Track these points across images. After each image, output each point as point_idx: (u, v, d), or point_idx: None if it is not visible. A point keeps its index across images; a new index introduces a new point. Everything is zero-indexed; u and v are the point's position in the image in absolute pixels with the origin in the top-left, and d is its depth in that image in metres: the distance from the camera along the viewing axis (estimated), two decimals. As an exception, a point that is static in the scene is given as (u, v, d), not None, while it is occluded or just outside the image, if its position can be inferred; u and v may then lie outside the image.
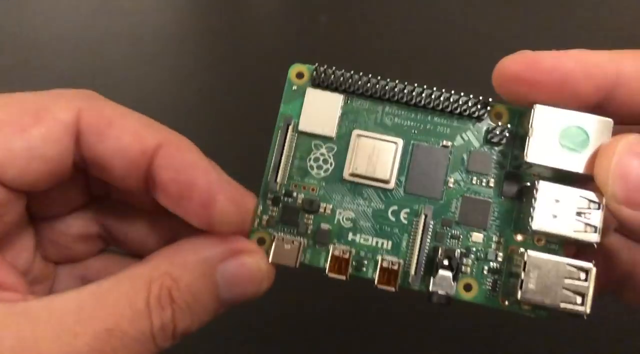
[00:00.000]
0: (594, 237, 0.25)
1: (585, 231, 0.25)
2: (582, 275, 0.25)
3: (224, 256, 0.25)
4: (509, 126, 0.27)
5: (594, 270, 0.25)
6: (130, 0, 0.53)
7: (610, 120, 0.26)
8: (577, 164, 0.25)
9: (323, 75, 0.28)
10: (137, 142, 0.24)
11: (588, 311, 0.24)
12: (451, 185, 0.27)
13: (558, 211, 0.25)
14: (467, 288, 0.27)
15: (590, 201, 0.25)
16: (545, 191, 0.25)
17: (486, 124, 0.28)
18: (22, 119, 0.23)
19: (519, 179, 0.27)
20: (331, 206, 0.27)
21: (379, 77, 0.28)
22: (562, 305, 0.24)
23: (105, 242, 0.30)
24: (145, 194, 0.26)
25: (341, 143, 0.28)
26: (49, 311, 0.22)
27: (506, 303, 0.26)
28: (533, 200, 0.25)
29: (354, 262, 0.27)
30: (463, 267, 0.27)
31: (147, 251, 0.26)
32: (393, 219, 0.27)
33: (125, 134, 0.24)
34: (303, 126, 0.28)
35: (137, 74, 0.49)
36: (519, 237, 0.27)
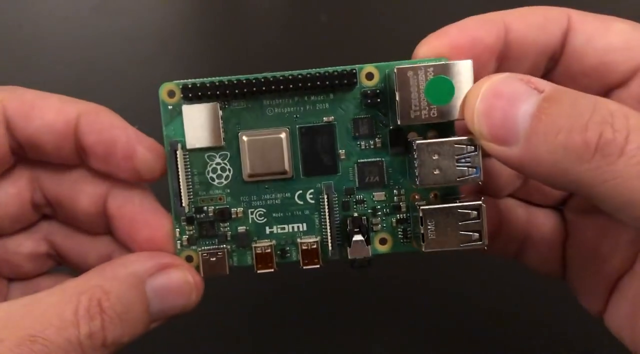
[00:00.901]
0: (477, 178, 0.27)
1: (468, 174, 0.27)
2: (474, 213, 0.27)
3: (153, 270, 0.27)
4: (381, 85, 0.28)
5: (483, 206, 0.27)
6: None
7: (469, 61, 0.26)
8: (447, 113, 0.27)
9: (192, 88, 0.28)
10: (59, 116, 0.28)
11: (486, 243, 0.27)
12: (343, 157, 0.29)
13: (439, 164, 0.27)
14: (382, 242, 0.29)
15: (467, 144, 0.27)
16: (422, 149, 0.27)
17: (360, 88, 0.28)
18: None
19: (402, 134, 0.28)
20: (242, 209, 0.29)
21: (247, 75, 0.28)
22: (463, 246, 0.27)
23: (55, 261, 0.32)
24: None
25: (232, 148, 0.29)
26: None
27: (417, 246, 0.29)
28: (414, 160, 0.27)
29: (278, 252, 0.29)
30: (373, 226, 0.29)
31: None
32: (301, 202, 0.29)
33: (48, 112, 0.28)
34: (190, 144, 0.29)
35: (136, 74, 0.49)
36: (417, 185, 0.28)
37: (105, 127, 0.28)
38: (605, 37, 0.28)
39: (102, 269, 0.27)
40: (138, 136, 0.28)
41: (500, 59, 0.28)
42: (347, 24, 0.51)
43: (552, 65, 0.29)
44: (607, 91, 0.28)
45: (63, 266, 0.32)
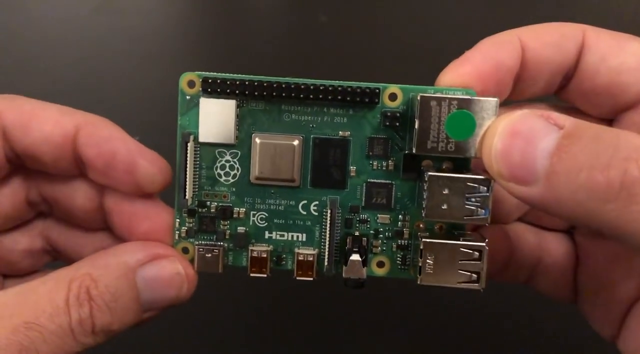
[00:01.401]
0: (484, 219, 0.26)
1: (477, 214, 0.26)
2: (476, 254, 0.26)
3: (144, 260, 0.27)
4: (403, 107, 0.28)
5: (486, 249, 0.26)
6: (130, -1, 0.52)
7: (495, 99, 0.25)
8: (465, 150, 0.26)
9: (213, 82, 0.28)
10: (57, 128, 0.28)
11: (483, 286, 0.26)
12: (353, 174, 0.28)
13: (448, 199, 0.26)
14: (380, 265, 0.29)
15: (479, 183, 0.26)
16: (433, 182, 0.26)
17: (381, 108, 0.28)
18: None
19: (417, 160, 0.28)
20: (244, 210, 0.29)
21: (269, 77, 0.27)
22: (459, 285, 0.26)
23: (50, 256, 0.32)
24: (83, 190, 0.29)
25: (243, 147, 0.28)
26: None
27: (414, 274, 0.28)
28: (423, 192, 0.26)
29: (274, 258, 0.29)
30: (373, 248, 0.29)
31: None
32: (304, 212, 0.29)
33: (46, 124, 0.28)
34: (203, 138, 0.28)
35: (137, 74, 0.50)
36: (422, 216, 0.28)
37: (104, 139, 0.27)
38: (619, 57, 0.27)
39: (93, 258, 0.27)
40: (139, 148, 0.28)
41: (516, 79, 0.28)
42: (346, 24, 0.50)
43: (565, 83, 0.28)
44: (618, 111, 0.28)
45: (58, 261, 0.32)
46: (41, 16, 0.52)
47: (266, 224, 0.29)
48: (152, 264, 0.27)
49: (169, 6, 0.53)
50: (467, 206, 0.26)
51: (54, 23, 0.52)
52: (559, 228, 0.31)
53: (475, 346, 0.44)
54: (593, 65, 0.27)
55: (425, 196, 0.26)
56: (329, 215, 0.28)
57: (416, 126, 0.26)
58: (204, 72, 0.28)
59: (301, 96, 0.27)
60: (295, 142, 0.28)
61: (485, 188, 0.26)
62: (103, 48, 0.50)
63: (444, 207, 0.26)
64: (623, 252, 0.29)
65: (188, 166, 0.28)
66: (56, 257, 0.32)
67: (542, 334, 0.44)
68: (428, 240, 0.26)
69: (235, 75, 0.28)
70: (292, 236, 0.29)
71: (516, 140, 0.23)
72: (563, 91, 0.29)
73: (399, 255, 0.29)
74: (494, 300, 0.45)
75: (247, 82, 0.27)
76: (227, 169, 0.29)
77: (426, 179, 0.26)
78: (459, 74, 0.27)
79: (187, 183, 0.28)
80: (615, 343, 0.30)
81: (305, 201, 0.29)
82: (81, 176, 0.29)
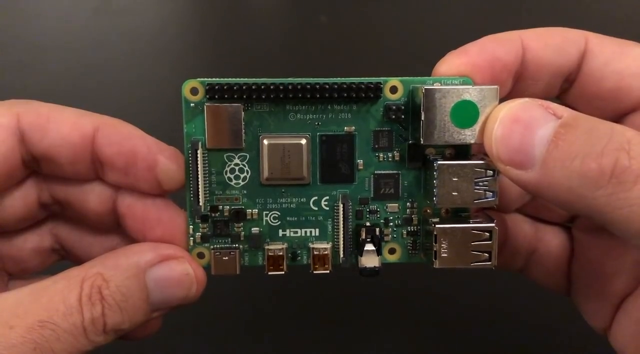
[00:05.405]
0: (492, 202, 0.27)
1: (485, 198, 0.27)
2: (487, 235, 0.28)
3: (154, 261, 0.27)
4: (404, 99, 0.28)
5: (495, 229, 0.28)
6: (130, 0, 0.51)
7: (495, 87, 0.27)
8: (469, 136, 0.27)
9: (218, 88, 0.28)
10: (75, 129, 0.28)
11: (495, 264, 0.28)
12: (361, 167, 0.29)
13: (457, 186, 0.27)
14: (392, 251, 0.30)
15: (486, 168, 0.27)
16: (443, 170, 0.27)
17: (383, 101, 0.29)
18: None
19: (421, 150, 0.29)
20: (257, 211, 0.29)
21: (273, 79, 0.28)
22: (473, 265, 0.28)
23: (58, 255, 0.32)
24: (95, 191, 0.29)
25: (252, 150, 0.29)
26: None
27: (425, 258, 0.30)
28: (434, 180, 0.27)
29: (289, 255, 0.30)
30: (385, 236, 0.30)
31: None
32: (315, 208, 0.30)
33: (64, 125, 0.28)
34: (211, 143, 0.28)
35: (137, 74, 0.49)
36: (430, 201, 0.29)
37: (124, 138, 0.28)
38: (621, 62, 0.28)
39: (104, 258, 0.27)
40: (159, 145, 0.28)
41: (516, 78, 0.29)
42: (346, 24, 0.51)
43: (568, 86, 0.29)
44: (621, 115, 0.29)
45: (66, 260, 0.32)
46: (41, 16, 0.50)
47: (279, 222, 0.30)
48: (161, 265, 0.28)
49: (169, 7, 0.53)
50: (475, 191, 0.27)
51: (53, 23, 0.50)
52: (556, 221, 0.33)
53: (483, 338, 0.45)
54: (596, 70, 0.28)
55: (435, 184, 0.27)
56: (341, 209, 0.29)
57: (423, 118, 0.27)
58: (206, 79, 0.28)
59: (306, 95, 0.28)
60: (303, 141, 0.29)
61: (492, 172, 0.27)
62: (102, 49, 0.50)
63: (454, 194, 0.27)
64: (617, 248, 0.30)
65: (200, 172, 0.28)
66: (64, 257, 0.32)
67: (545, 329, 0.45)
68: (441, 226, 0.28)
69: (238, 79, 0.28)
70: (306, 232, 0.30)
71: (516, 126, 0.25)
72: (566, 94, 0.30)
73: (409, 241, 0.30)
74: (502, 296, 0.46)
75: (251, 86, 0.28)
76: (237, 173, 0.29)
77: (436, 168, 0.27)
78: (455, 64, 0.28)
79: (200, 189, 0.28)
80: (607, 336, 0.31)
81: (316, 197, 0.29)
82: (95, 179, 0.29)
